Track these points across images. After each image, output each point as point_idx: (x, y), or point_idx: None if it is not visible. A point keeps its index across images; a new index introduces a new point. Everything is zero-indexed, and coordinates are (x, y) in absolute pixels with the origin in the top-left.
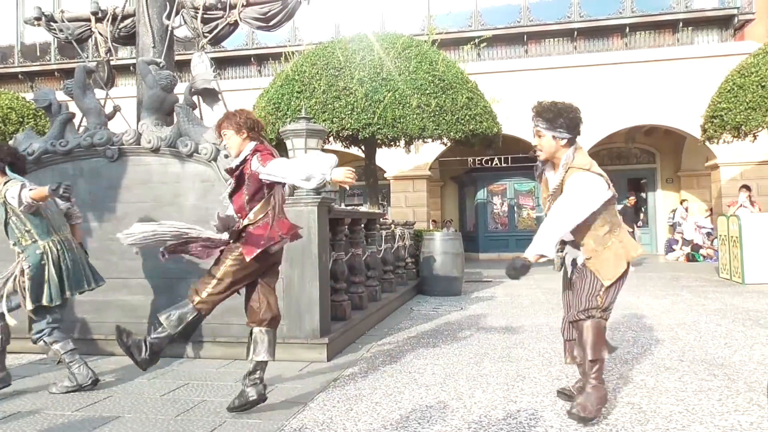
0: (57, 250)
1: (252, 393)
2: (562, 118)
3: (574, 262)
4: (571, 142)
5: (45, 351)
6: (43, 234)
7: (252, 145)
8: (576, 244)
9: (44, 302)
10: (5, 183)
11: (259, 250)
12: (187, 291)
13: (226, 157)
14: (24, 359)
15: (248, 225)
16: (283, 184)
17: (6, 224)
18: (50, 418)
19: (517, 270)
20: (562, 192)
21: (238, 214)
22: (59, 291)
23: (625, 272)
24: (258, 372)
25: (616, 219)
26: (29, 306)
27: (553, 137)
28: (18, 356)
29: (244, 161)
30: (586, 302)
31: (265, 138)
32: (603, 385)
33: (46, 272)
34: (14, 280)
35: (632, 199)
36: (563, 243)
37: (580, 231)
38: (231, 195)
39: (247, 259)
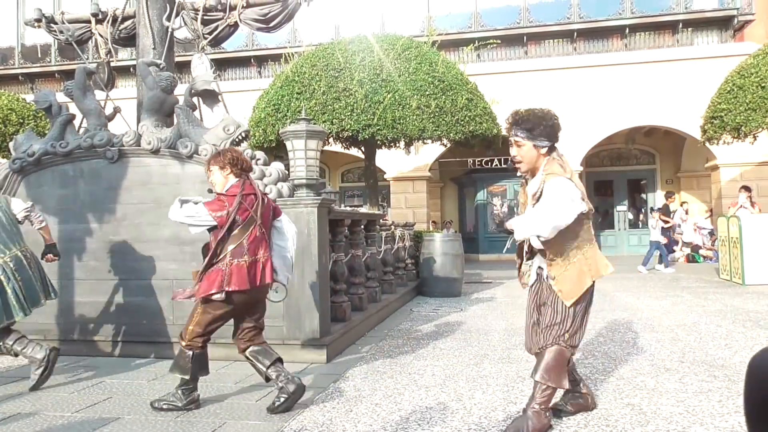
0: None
1: (291, 387)
2: (542, 126)
3: (541, 273)
4: (551, 150)
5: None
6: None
7: (232, 183)
8: (544, 254)
9: None
10: None
11: (202, 296)
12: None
13: (210, 191)
14: (23, 361)
15: (207, 267)
16: (249, 227)
17: None
18: (50, 419)
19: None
20: (542, 196)
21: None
22: (2, 314)
23: (590, 291)
24: (281, 374)
25: (588, 235)
26: None
27: (534, 146)
28: (17, 358)
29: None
30: (554, 331)
31: (248, 179)
32: (547, 413)
33: None
34: None
35: (672, 198)
36: (531, 252)
37: (549, 242)
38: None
39: (202, 304)
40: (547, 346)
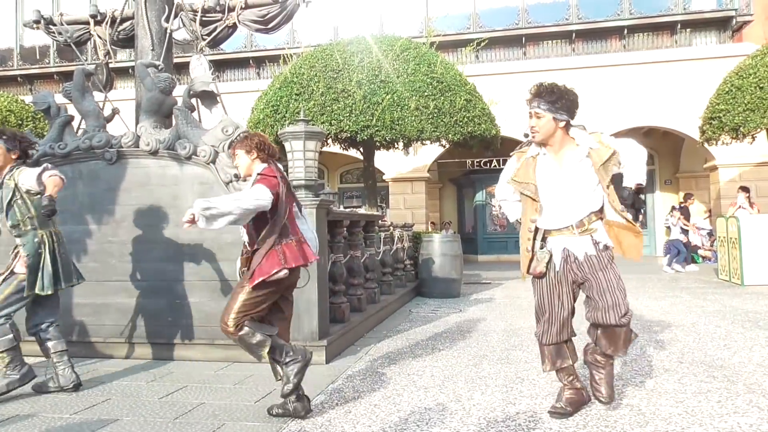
0: (52, 241)
1: (298, 407)
2: (564, 99)
3: (568, 254)
4: (568, 126)
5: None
6: (42, 224)
7: (261, 167)
8: (584, 227)
9: (37, 290)
10: (16, 168)
11: (261, 279)
12: (184, 293)
13: (237, 177)
14: None
15: (256, 251)
16: (287, 207)
17: (9, 206)
18: (48, 421)
19: (630, 197)
20: (610, 157)
21: (251, 241)
22: (51, 281)
23: None
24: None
25: None
26: (25, 293)
27: (554, 119)
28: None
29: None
30: (623, 302)
31: (275, 164)
32: None
33: (42, 261)
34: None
35: (692, 200)
36: (544, 237)
37: (599, 207)
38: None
39: (251, 288)
40: (625, 325)
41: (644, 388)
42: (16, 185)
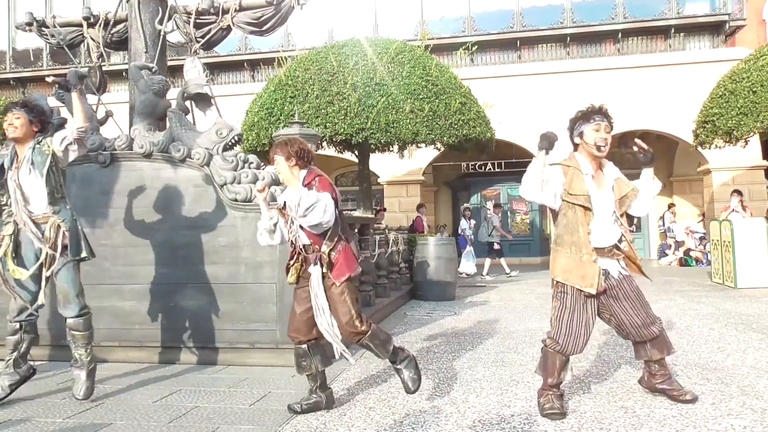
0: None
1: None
2: None
3: (608, 274)
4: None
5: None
6: (67, 195)
7: (304, 172)
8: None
9: (83, 255)
10: (42, 138)
11: (350, 274)
12: (178, 296)
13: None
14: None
15: (330, 252)
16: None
17: (47, 173)
18: (41, 426)
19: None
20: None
21: (312, 242)
22: (89, 247)
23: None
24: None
25: None
26: (70, 257)
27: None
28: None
29: (308, 187)
30: (652, 314)
31: (314, 169)
32: None
33: (78, 228)
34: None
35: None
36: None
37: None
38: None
39: (347, 284)
40: (661, 328)
41: (638, 390)
42: (53, 152)
